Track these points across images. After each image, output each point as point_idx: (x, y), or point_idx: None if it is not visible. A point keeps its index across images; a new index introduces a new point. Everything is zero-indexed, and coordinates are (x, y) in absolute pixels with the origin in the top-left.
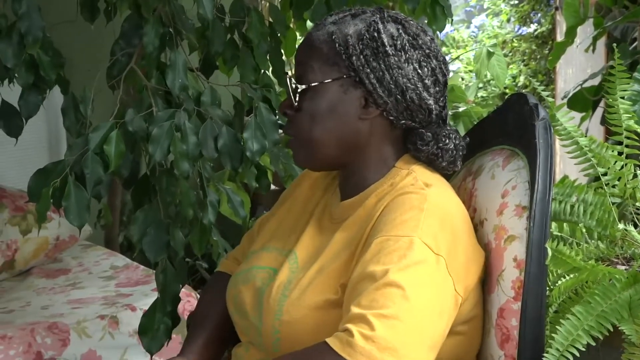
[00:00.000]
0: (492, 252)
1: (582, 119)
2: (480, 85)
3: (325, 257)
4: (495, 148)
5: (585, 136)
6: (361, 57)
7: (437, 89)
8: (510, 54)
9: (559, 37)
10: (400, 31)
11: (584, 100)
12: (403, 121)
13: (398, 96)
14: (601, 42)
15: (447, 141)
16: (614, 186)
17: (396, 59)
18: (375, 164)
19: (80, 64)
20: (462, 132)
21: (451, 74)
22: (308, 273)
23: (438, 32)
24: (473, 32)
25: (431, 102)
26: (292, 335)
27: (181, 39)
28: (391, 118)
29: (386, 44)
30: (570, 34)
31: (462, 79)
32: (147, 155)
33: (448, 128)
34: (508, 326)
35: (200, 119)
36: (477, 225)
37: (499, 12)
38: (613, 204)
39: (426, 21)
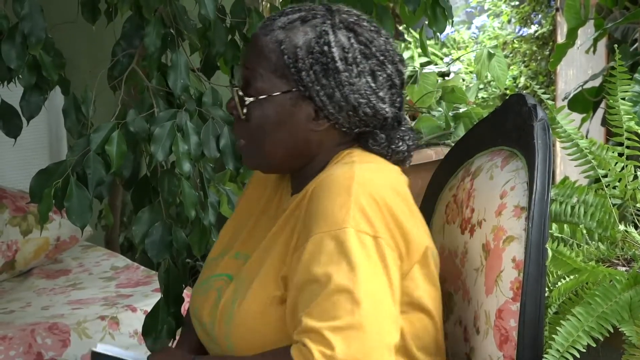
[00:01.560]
0: (491, 252)
1: (583, 120)
2: (481, 86)
3: (265, 251)
4: (494, 149)
5: (586, 137)
6: (311, 72)
7: (393, 91)
8: (511, 55)
9: (560, 39)
10: (352, 40)
11: (585, 102)
12: (356, 129)
13: (350, 112)
14: (602, 44)
15: (400, 144)
16: (614, 187)
17: (347, 74)
18: (326, 162)
19: (81, 65)
20: (462, 133)
21: (452, 75)
22: (251, 273)
23: (438, 33)
24: (474, 33)
25: (386, 108)
26: (243, 338)
27: (182, 39)
28: (343, 129)
29: (336, 58)
30: (571, 35)
31: (463, 80)
32: (148, 155)
33: (403, 129)
34: (507, 327)
35: (202, 119)
36: (475, 226)
37: (499, 13)
38: (613, 205)
39: (427, 22)
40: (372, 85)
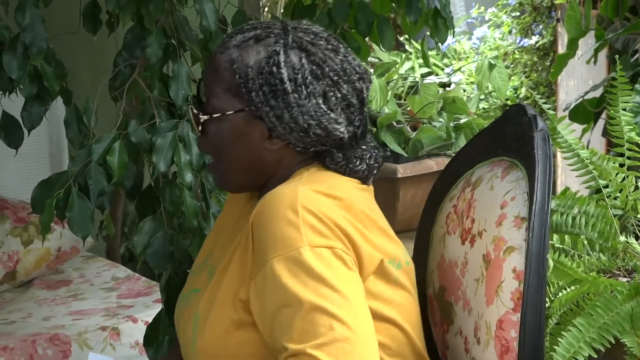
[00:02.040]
0: (491, 263)
1: (584, 131)
2: (482, 97)
3: (223, 269)
4: (495, 159)
5: (587, 148)
6: (260, 93)
7: (351, 110)
8: (512, 66)
9: (561, 49)
10: (304, 61)
11: (586, 112)
12: (312, 148)
13: (301, 133)
14: (603, 54)
15: (358, 163)
16: (615, 198)
17: (296, 96)
18: (286, 179)
19: (83, 75)
20: (463, 143)
21: (453, 86)
22: (213, 292)
23: (440, 44)
24: (474, 43)
25: (341, 129)
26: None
27: (184, 50)
28: (298, 149)
29: (285, 79)
30: (572, 46)
31: (464, 90)
32: (151, 166)
33: (363, 147)
34: (507, 337)
35: None
36: (476, 236)
37: (500, 24)
38: (614, 216)
39: (428, 33)
40: (323, 106)
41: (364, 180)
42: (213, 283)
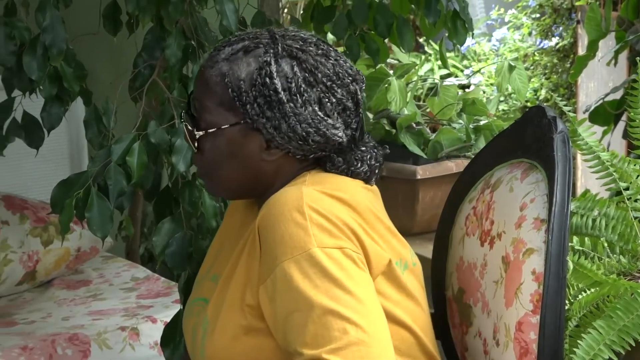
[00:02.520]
0: (511, 265)
1: (604, 133)
2: (502, 98)
3: (228, 276)
4: (514, 161)
5: (607, 150)
6: (255, 105)
7: (348, 113)
8: (532, 68)
9: (581, 51)
10: (296, 69)
11: (606, 114)
12: (311, 155)
13: (300, 142)
14: (623, 56)
15: (359, 165)
16: (636, 200)
17: (292, 104)
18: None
19: (102, 76)
20: (483, 145)
21: (473, 88)
22: (220, 299)
23: (459, 46)
24: (494, 45)
25: (339, 134)
26: None
27: (203, 51)
28: (297, 157)
29: (279, 89)
30: (592, 47)
31: (483, 92)
32: (170, 166)
33: (362, 149)
34: (526, 339)
35: None
36: (495, 238)
37: (520, 26)
38: (635, 218)
39: (447, 34)
40: (320, 113)
41: (367, 181)
42: (219, 290)
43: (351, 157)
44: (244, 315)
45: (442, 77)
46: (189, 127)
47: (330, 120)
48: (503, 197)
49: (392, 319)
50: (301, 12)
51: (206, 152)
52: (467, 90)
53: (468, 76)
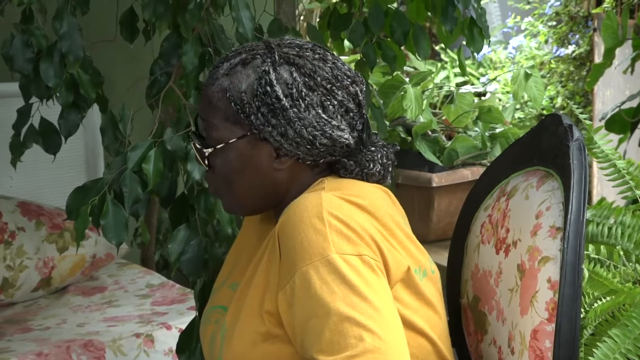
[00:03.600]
0: (526, 273)
1: (620, 141)
2: (518, 106)
3: (247, 283)
4: (530, 169)
5: (623, 158)
6: (259, 115)
7: (351, 115)
8: (548, 75)
9: (597, 59)
10: (295, 74)
11: (622, 122)
12: (322, 160)
13: (307, 146)
14: None
15: (372, 165)
16: None
17: (295, 110)
18: (301, 192)
19: (119, 83)
20: (499, 153)
21: (489, 95)
22: (238, 307)
23: (475, 53)
24: (510, 53)
25: (346, 135)
26: None
27: None
28: (308, 162)
29: (281, 96)
30: (609, 55)
31: (499, 100)
32: (185, 174)
33: (372, 149)
34: (542, 348)
35: None
36: (510, 246)
37: (536, 34)
38: None
39: (464, 42)
40: (323, 116)
41: (382, 181)
42: (238, 297)
43: (362, 158)
44: (262, 322)
45: (458, 85)
46: (197, 146)
47: (334, 122)
48: (519, 204)
49: (409, 326)
50: (318, 19)
51: (217, 168)
52: (483, 98)
53: (484, 84)
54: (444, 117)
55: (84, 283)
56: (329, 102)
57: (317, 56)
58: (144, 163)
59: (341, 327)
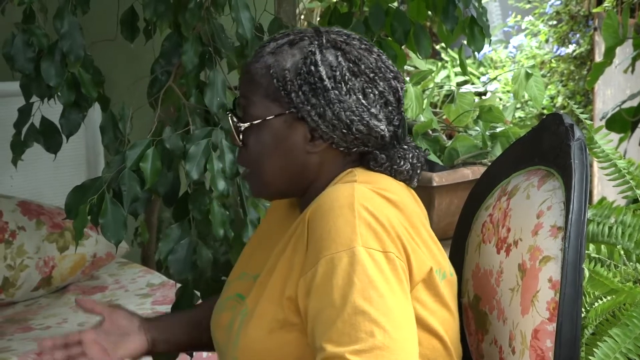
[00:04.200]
0: (527, 272)
1: (621, 140)
2: (518, 105)
3: (268, 272)
4: (531, 168)
5: (624, 158)
6: (300, 93)
7: (390, 108)
8: (549, 75)
9: (598, 58)
10: (340, 59)
11: (623, 121)
12: (355, 149)
13: (344, 130)
14: None
15: (402, 162)
16: None
17: (336, 92)
18: (329, 183)
19: (120, 82)
20: (499, 152)
21: (489, 95)
22: (257, 294)
23: (476, 52)
24: (511, 52)
25: (382, 127)
26: (249, 359)
27: (220, 57)
28: (341, 149)
29: (324, 77)
30: (609, 54)
31: (500, 99)
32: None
33: (405, 147)
34: (542, 347)
35: None
36: (512, 245)
37: (537, 33)
38: None
39: (465, 42)
40: (364, 102)
41: (409, 181)
42: (258, 285)
43: (394, 154)
44: (281, 309)
45: (459, 84)
46: (234, 120)
47: (373, 110)
48: (520, 204)
49: (425, 327)
50: (318, 18)
51: (250, 145)
52: (483, 97)
53: (485, 83)
54: (444, 117)
55: (84, 282)
56: (370, 90)
57: (363, 46)
58: (142, 162)
59: (354, 320)
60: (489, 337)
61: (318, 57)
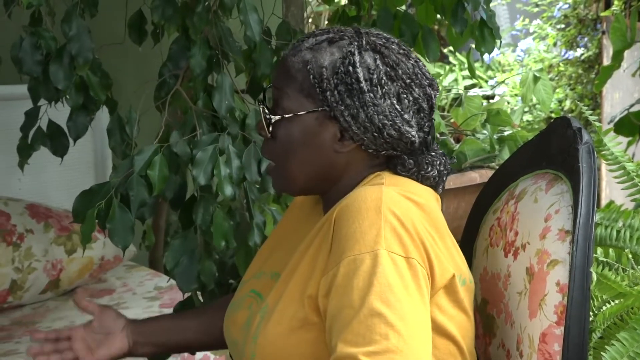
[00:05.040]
0: (535, 276)
1: (629, 144)
2: (526, 109)
3: (291, 270)
4: (539, 172)
5: (632, 161)
6: (335, 92)
7: (421, 115)
8: (557, 78)
9: (606, 62)
10: (378, 62)
11: (631, 125)
12: (383, 152)
13: (375, 133)
14: None
15: (430, 169)
16: None
17: (372, 95)
18: (354, 184)
19: (127, 86)
20: (507, 156)
21: (497, 98)
22: (278, 292)
23: (486, 55)
24: (519, 56)
25: (413, 132)
26: (267, 357)
27: (228, 61)
28: (370, 151)
29: (361, 79)
30: (617, 58)
31: (508, 102)
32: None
33: (432, 154)
34: (550, 351)
35: (245, 143)
36: (519, 249)
37: (545, 36)
38: None
39: (473, 45)
40: (397, 107)
41: (434, 188)
42: (281, 281)
43: (422, 160)
44: (302, 307)
45: (467, 88)
46: (265, 111)
47: (406, 116)
48: (527, 208)
49: (443, 332)
50: (326, 22)
51: (279, 138)
52: (491, 100)
53: (492, 87)
54: (452, 120)
55: (92, 285)
56: (405, 96)
57: (402, 51)
58: (149, 169)
59: (370, 322)
60: (496, 341)
61: (357, 58)
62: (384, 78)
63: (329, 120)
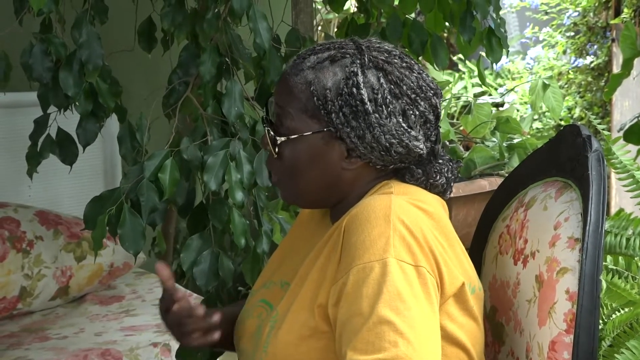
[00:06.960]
0: (544, 284)
1: (639, 152)
2: (536, 117)
3: (300, 280)
4: (548, 179)
5: None
6: (340, 114)
7: (428, 126)
8: (566, 86)
9: (616, 69)
10: (382, 80)
11: None
12: (391, 166)
13: (382, 152)
14: None
15: (438, 177)
16: None
17: (377, 115)
18: (363, 195)
19: (137, 93)
20: (516, 163)
21: (506, 106)
22: (288, 302)
23: (494, 63)
24: (528, 63)
25: (420, 145)
26: None
27: (237, 68)
28: (377, 167)
29: (365, 100)
30: (627, 65)
31: (517, 110)
32: (202, 183)
33: (440, 161)
34: (560, 359)
35: (255, 148)
36: (529, 257)
37: (554, 44)
38: None
39: (483, 53)
40: (404, 125)
41: (442, 195)
42: (291, 290)
43: (430, 169)
44: (312, 316)
45: (476, 95)
46: (271, 133)
47: (413, 132)
48: (537, 215)
49: (453, 340)
50: (335, 29)
51: (285, 158)
52: (500, 108)
53: (502, 94)
54: (461, 128)
55: (101, 292)
56: (411, 112)
57: (404, 64)
58: (160, 173)
59: (379, 330)
60: (505, 349)
61: (360, 78)
62: (389, 97)
63: (335, 139)
